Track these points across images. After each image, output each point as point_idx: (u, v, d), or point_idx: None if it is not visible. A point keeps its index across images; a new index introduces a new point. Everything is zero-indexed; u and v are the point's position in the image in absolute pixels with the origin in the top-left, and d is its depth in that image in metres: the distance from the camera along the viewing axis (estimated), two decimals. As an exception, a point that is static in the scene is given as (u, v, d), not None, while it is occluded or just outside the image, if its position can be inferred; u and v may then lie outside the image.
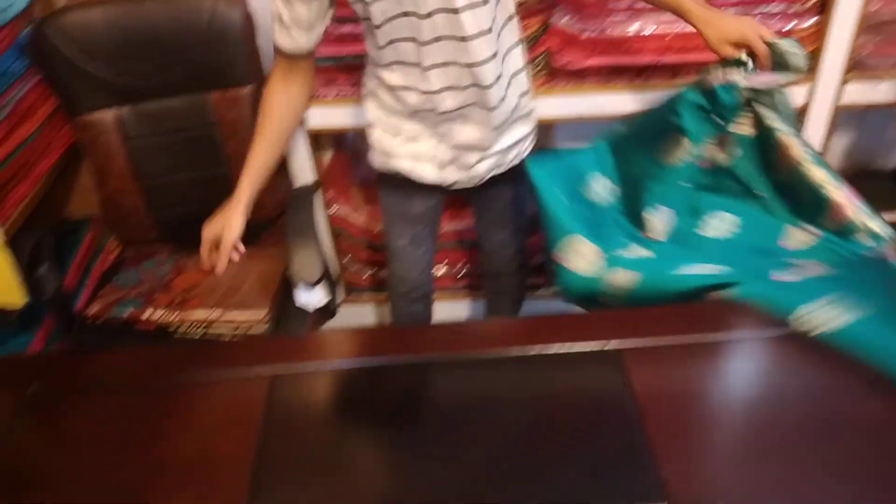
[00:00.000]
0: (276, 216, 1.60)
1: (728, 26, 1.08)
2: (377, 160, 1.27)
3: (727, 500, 0.73)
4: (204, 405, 0.88)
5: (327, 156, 1.84)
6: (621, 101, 1.50)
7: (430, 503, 0.74)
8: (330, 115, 1.55)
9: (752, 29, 1.07)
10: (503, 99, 1.13)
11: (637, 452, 0.78)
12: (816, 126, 1.63)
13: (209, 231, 1.15)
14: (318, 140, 1.71)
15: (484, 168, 1.21)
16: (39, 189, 1.42)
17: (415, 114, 1.16)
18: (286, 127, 1.18)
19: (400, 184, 1.27)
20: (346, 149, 1.86)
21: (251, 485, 0.77)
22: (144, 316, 1.43)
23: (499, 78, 1.10)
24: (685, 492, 0.73)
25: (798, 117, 1.52)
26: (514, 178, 1.28)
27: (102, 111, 1.44)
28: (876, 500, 0.73)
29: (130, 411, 0.88)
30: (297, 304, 1.36)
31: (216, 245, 1.14)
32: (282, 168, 1.59)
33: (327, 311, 1.53)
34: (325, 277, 1.37)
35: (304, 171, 1.65)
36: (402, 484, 0.77)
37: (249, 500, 0.76)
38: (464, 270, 1.87)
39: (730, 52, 1.08)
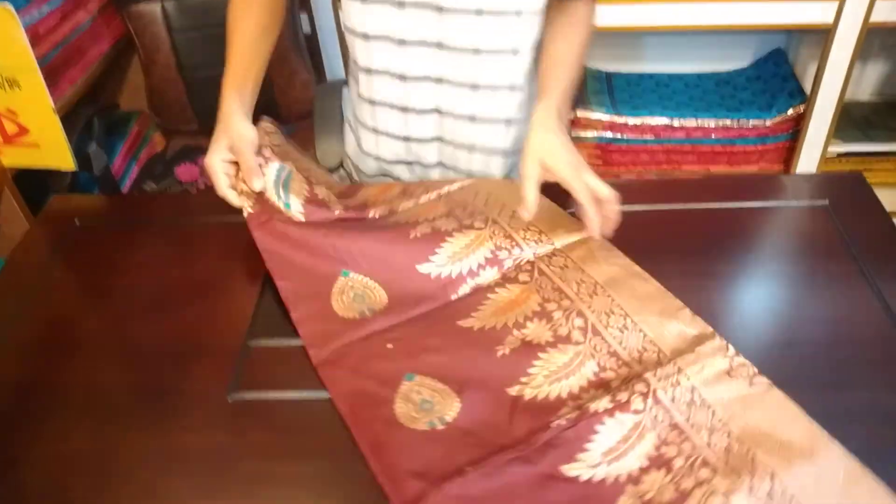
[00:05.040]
0: (306, 114, 1.69)
1: (559, 151, 0.84)
2: None
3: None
4: (223, 241, 0.99)
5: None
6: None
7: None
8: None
9: (578, 171, 0.83)
10: None
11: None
12: (843, 48, 1.63)
13: (213, 154, 0.91)
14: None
15: None
16: (91, 74, 1.54)
17: None
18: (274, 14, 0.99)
19: None
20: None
21: (256, 307, 0.88)
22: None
23: None
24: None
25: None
26: None
27: (151, 2, 1.55)
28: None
29: (157, 242, 1.00)
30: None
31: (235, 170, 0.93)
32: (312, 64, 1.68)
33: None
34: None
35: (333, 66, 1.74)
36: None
37: (253, 319, 0.87)
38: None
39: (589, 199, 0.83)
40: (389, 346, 0.79)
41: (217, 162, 0.91)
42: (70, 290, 0.96)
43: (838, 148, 1.84)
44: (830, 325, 0.81)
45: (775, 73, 1.92)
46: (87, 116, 1.53)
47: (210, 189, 0.97)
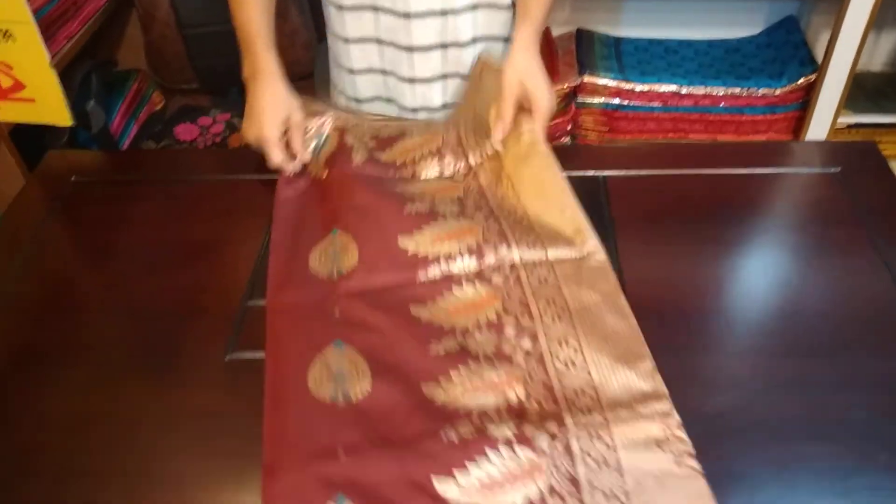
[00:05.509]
0: (307, 75, 1.66)
1: (540, 77, 0.92)
2: None
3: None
4: (222, 200, 0.97)
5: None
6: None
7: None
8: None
9: (552, 104, 0.93)
10: None
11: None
12: (857, 17, 1.59)
13: (272, 128, 0.93)
14: None
15: None
16: (88, 28, 1.50)
17: None
18: None
19: None
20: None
21: (255, 267, 0.87)
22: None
23: None
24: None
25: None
26: None
27: (148, -44, 1.51)
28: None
29: (155, 200, 0.99)
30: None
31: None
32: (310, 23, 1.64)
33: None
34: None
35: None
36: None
37: (251, 279, 0.85)
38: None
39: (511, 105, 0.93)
40: (336, 311, 0.78)
41: (277, 135, 0.93)
42: (66, 248, 0.95)
43: (849, 119, 1.81)
44: (838, 293, 0.80)
45: (787, 40, 1.87)
46: (84, 73, 1.49)
47: (209, 148, 0.95)
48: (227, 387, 0.74)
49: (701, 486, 0.62)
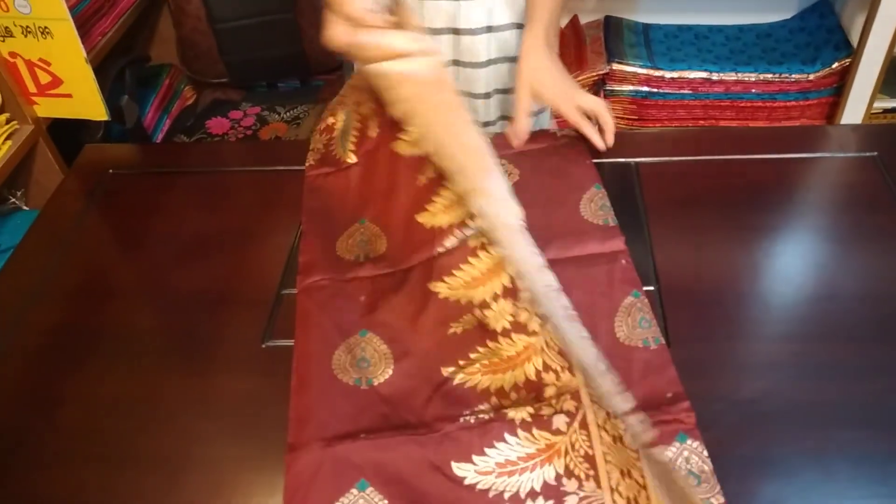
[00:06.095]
0: (337, 66, 1.67)
1: (547, 78, 0.91)
2: None
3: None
4: (257, 191, 0.99)
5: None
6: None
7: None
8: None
9: (566, 94, 0.92)
10: None
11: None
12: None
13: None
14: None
15: None
16: (122, 24, 1.53)
17: None
18: None
19: None
20: None
21: (289, 256, 0.88)
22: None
23: None
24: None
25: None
26: None
27: (179, -48, 1.53)
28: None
29: (191, 191, 1.00)
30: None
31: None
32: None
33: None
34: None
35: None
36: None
37: (286, 268, 0.86)
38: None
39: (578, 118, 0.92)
40: (362, 297, 0.79)
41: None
42: (104, 238, 0.97)
43: (885, 104, 1.78)
44: (874, 278, 0.79)
45: (820, 24, 1.84)
46: (118, 68, 1.52)
47: (242, 140, 0.96)
48: (263, 373, 0.75)
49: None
